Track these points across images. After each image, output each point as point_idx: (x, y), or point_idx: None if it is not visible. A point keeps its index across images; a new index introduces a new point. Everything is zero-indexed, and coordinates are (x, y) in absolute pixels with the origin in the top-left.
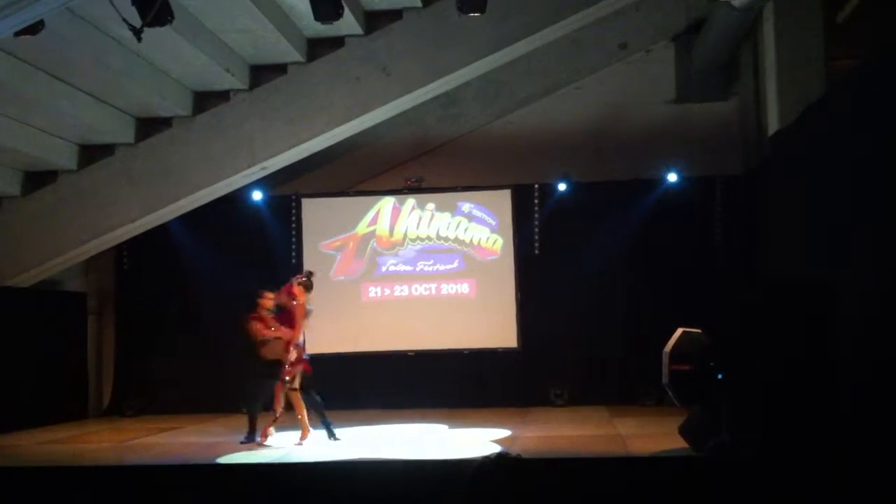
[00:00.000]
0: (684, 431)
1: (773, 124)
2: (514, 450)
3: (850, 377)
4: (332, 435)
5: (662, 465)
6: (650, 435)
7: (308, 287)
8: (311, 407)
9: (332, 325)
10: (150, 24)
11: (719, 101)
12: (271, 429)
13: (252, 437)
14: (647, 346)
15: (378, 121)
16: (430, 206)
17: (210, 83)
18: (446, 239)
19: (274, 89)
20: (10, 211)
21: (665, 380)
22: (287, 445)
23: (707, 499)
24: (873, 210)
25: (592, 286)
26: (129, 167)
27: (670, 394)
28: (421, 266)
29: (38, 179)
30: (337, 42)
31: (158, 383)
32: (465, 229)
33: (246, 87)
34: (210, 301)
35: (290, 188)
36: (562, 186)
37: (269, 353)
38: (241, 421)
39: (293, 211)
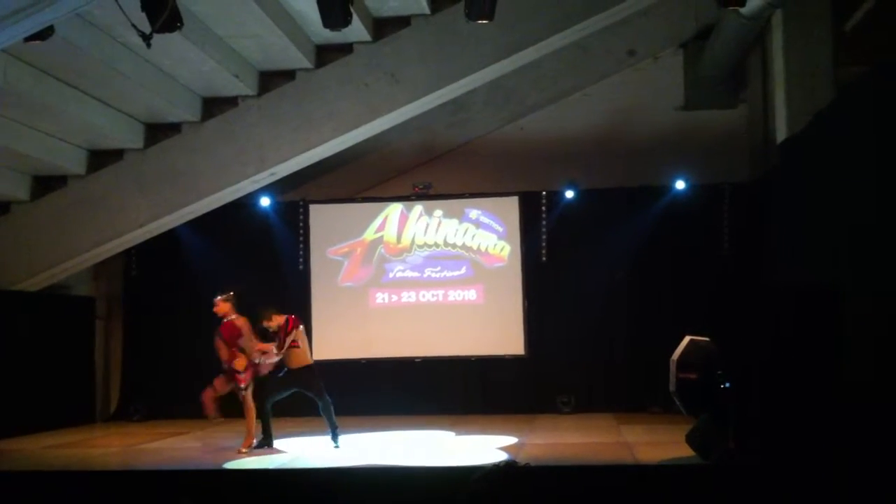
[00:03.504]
0: (691, 440)
1: (781, 132)
2: (522, 457)
3: (856, 384)
4: (334, 439)
5: (670, 473)
6: (657, 443)
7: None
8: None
9: (338, 332)
10: (160, 30)
11: (727, 108)
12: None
13: (266, 442)
14: (655, 354)
15: (386, 127)
16: (438, 212)
17: (219, 89)
18: (454, 245)
19: (282, 95)
20: (19, 216)
21: (672, 388)
22: (293, 451)
23: None
24: (883, 217)
25: (600, 293)
26: (138, 172)
27: (677, 402)
28: (428, 272)
29: (47, 184)
30: (345, 48)
31: (165, 388)
32: (473, 236)
33: (254, 93)
34: None
35: (298, 194)
36: (569, 193)
37: (288, 361)
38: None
39: (301, 217)
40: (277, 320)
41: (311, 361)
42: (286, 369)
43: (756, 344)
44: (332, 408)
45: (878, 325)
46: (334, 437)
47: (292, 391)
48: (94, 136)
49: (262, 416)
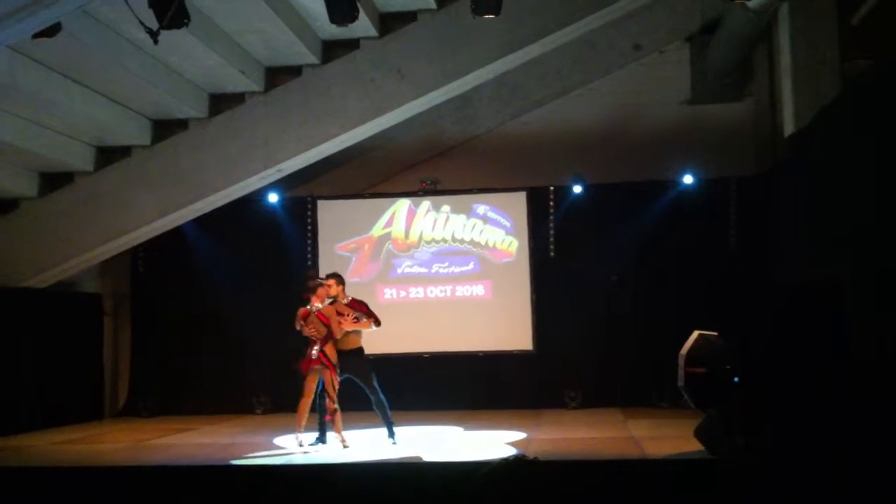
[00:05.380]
0: (700, 434)
1: (788, 125)
2: (529, 452)
3: (864, 380)
4: (391, 436)
5: (678, 467)
6: (665, 437)
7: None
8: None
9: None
10: (167, 27)
11: (734, 102)
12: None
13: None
14: (662, 349)
15: (393, 123)
16: (446, 208)
17: (225, 85)
18: (462, 241)
19: (289, 91)
20: (26, 212)
21: (681, 382)
22: (302, 447)
23: (722, 501)
24: (888, 210)
25: (607, 288)
26: (145, 169)
27: (686, 396)
28: (436, 268)
29: (54, 181)
30: (351, 44)
31: (174, 384)
32: (481, 231)
33: (261, 89)
34: (225, 303)
35: (306, 190)
36: (577, 188)
37: (341, 342)
38: (255, 422)
39: (308, 213)
40: (338, 290)
41: (361, 345)
42: (338, 352)
43: (762, 340)
44: (385, 405)
45: (882, 323)
46: (391, 434)
47: (344, 378)
48: (102, 132)
49: (319, 413)
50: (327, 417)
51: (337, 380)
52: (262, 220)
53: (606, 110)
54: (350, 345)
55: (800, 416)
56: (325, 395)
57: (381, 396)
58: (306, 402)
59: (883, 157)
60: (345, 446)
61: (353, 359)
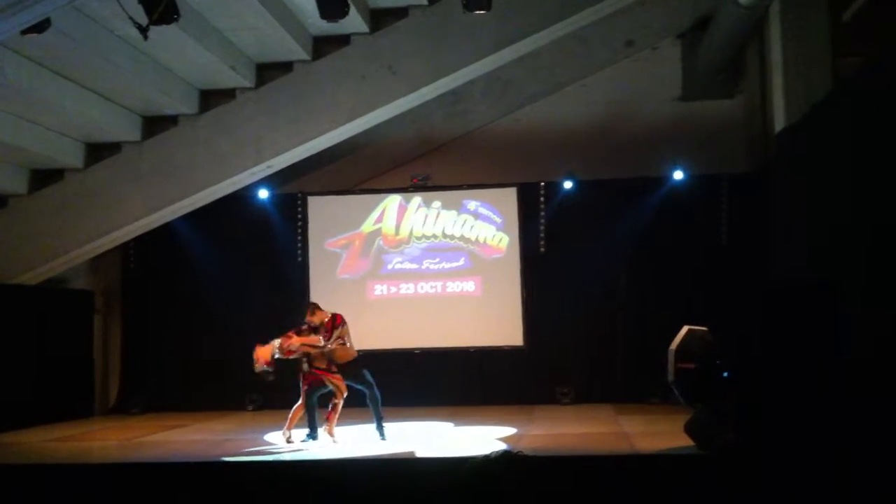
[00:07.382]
0: (690, 429)
1: (779, 122)
2: (519, 447)
3: (855, 375)
4: (379, 430)
5: (668, 463)
6: (656, 433)
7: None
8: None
9: None
10: (156, 23)
11: (725, 98)
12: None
13: (312, 435)
14: (653, 344)
15: (384, 119)
16: (436, 204)
17: (216, 81)
18: (452, 237)
19: (280, 87)
20: (16, 209)
21: (671, 378)
22: (294, 443)
23: (713, 497)
24: (879, 208)
25: (598, 284)
26: (136, 165)
27: (676, 392)
28: (427, 264)
29: (44, 178)
30: (343, 40)
31: (164, 381)
32: (471, 227)
33: (252, 85)
34: (216, 299)
35: (296, 186)
36: (567, 184)
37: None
38: (246, 419)
39: (299, 209)
40: (321, 315)
41: (356, 355)
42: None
43: (754, 336)
44: (379, 401)
45: (875, 320)
46: (379, 429)
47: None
48: (92, 129)
49: (308, 410)
50: (328, 417)
51: (343, 384)
52: (252, 216)
53: (598, 106)
54: (344, 358)
55: (793, 414)
56: (331, 393)
57: (377, 391)
58: (300, 409)
59: (876, 154)
60: (334, 441)
61: (347, 369)
